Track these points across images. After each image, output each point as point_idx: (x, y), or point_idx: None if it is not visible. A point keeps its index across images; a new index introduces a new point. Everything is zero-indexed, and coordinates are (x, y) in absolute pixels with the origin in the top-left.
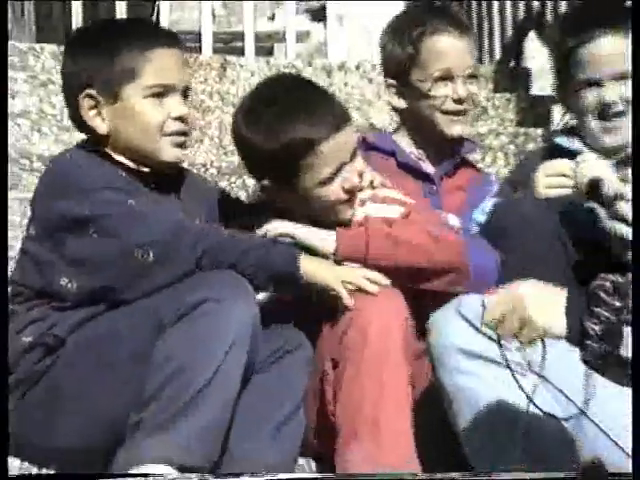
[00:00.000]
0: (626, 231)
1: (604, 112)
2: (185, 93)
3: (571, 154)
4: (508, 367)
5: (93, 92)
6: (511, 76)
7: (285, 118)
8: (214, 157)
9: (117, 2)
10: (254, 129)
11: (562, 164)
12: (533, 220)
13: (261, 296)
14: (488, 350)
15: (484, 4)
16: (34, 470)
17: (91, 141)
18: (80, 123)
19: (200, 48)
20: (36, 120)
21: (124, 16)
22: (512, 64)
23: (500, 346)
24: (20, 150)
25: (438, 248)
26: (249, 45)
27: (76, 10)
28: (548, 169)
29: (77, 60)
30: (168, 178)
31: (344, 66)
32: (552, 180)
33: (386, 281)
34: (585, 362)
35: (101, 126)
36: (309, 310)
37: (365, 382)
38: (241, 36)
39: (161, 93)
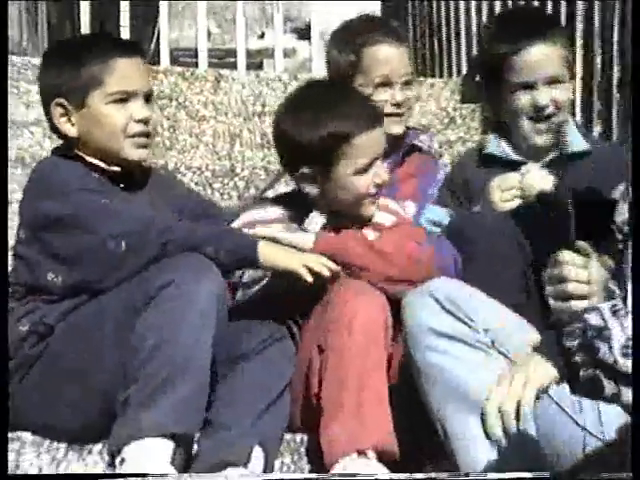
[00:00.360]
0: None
1: (537, 114)
2: (147, 98)
3: (502, 160)
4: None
5: (62, 100)
6: (477, 88)
7: (324, 114)
8: (209, 161)
9: (122, 20)
10: (297, 124)
11: (512, 179)
12: (496, 231)
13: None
14: (456, 330)
15: (452, 24)
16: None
17: (65, 146)
18: (55, 129)
19: (197, 63)
20: (48, 128)
21: (128, 36)
22: (477, 78)
23: (469, 327)
24: (33, 155)
25: (409, 264)
26: (241, 60)
27: (84, 26)
28: (502, 184)
29: (49, 72)
30: (138, 178)
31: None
32: (506, 194)
33: (336, 267)
34: (573, 390)
35: (71, 130)
36: (297, 303)
37: (349, 368)
38: (234, 52)
39: (123, 99)
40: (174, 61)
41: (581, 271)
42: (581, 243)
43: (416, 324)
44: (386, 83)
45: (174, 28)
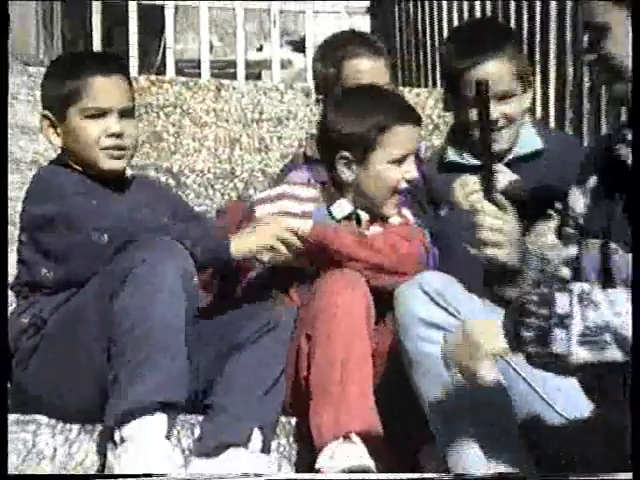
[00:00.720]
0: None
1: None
2: (123, 113)
3: (463, 166)
4: None
5: (48, 112)
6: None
7: (366, 107)
8: (210, 164)
9: (130, 35)
10: (343, 115)
11: (475, 181)
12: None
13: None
14: (444, 321)
15: (436, 37)
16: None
17: (62, 154)
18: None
19: (200, 73)
20: None
21: (136, 49)
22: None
23: (455, 318)
24: (47, 158)
25: (399, 261)
26: (240, 71)
27: (96, 41)
28: (465, 186)
29: (43, 87)
30: (128, 183)
31: None
32: (472, 197)
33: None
34: (530, 364)
35: (56, 140)
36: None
37: (334, 356)
38: (234, 64)
39: (98, 114)
40: (179, 72)
41: (495, 221)
42: (499, 197)
43: (407, 315)
44: None
45: (179, 41)
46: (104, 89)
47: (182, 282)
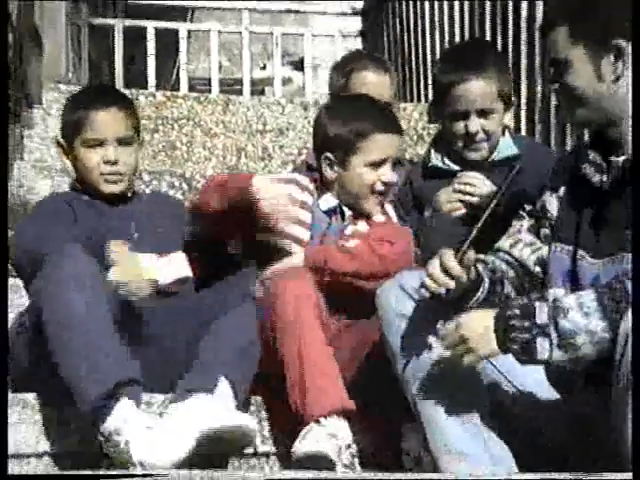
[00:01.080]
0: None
1: (468, 138)
2: (121, 141)
3: (445, 171)
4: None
5: (62, 141)
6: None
7: (351, 114)
8: (219, 170)
9: (148, 56)
10: (330, 119)
11: (453, 186)
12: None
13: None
14: (421, 315)
15: (420, 56)
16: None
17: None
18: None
19: (210, 90)
20: None
21: (154, 68)
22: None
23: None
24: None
25: (381, 262)
26: (246, 87)
27: (118, 63)
28: (449, 193)
29: (62, 117)
30: (128, 199)
31: (317, 103)
32: (454, 204)
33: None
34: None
35: (67, 165)
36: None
37: (286, 346)
38: (240, 81)
39: (96, 144)
40: (191, 88)
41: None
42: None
43: (389, 311)
44: None
45: (192, 61)
46: (102, 121)
47: (86, 278)
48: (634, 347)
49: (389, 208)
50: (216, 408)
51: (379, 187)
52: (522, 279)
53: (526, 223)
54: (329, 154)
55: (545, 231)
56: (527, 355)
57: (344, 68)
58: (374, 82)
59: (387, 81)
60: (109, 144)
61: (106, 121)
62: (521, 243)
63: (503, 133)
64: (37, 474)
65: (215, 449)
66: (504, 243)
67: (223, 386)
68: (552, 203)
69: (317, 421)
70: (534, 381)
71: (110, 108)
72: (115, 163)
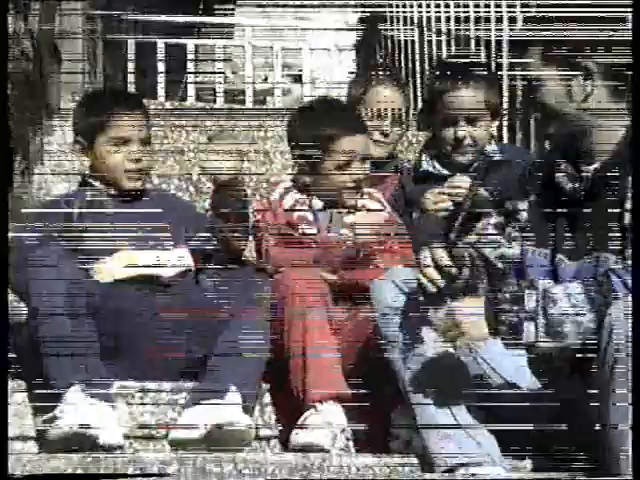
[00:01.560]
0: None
1: (456, 143)
2: (142, 141)
3: (434, 175)
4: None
5: (80, 138)
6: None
7: (320, 119)
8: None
9: (159, 68)
10: (302, 122)
11: (441, 188)
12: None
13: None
14: (413, 308)
15: (410, 69)
16: None
17: (85, 175)
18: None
19: (215, 99)
20: None
21: (164, 80)
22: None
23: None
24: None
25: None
26: (249, 97)
27: (131, 70)
28: (435, 194)
29: (74, 116)
30: (141, 195)
31: None
32: (440, 205)
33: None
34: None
35: (85, 162)
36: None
37: (289, 335)
38: (243, 92)
39: (121, 143)
40: (198, 98)
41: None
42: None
43: (382, 304)
44: (379, 115)
45: (199, 73)
46: (126, 122)
47: (63, 283)
48: (634, 347)
49: (374, 192)
50: (223, 408)
51: (351, 185)
52: (487, 270)
53: (493, 220)
54: (301, 160)
55: (510, 230)
56: (514, 337)
57: (362, 81)
58: (389, 96)
59: (402, 95)
60: (134, 143)
61: (130, 122)
62: (485, 238)
63: (490, 142)
64: (37, 474)
65: (215, 444)
66: (471, 237)
67: (233, 395)
68: (522, 206)
69: (314, 407)
70: (517, 371)
71: (135, 110)
72: (139, 161)
